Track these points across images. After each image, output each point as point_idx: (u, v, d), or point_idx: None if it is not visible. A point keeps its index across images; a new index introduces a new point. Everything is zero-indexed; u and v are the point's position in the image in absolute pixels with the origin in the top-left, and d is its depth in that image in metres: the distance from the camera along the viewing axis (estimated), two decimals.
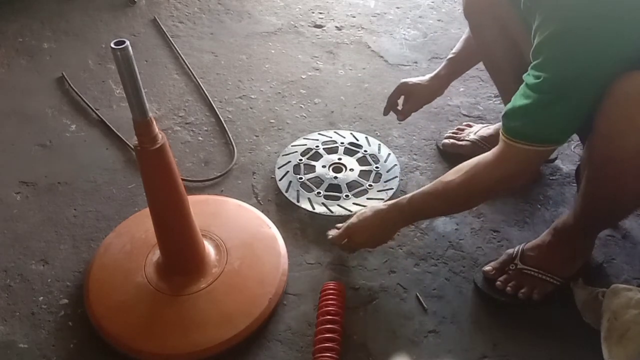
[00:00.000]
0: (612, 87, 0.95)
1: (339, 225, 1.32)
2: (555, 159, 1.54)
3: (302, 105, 1.83)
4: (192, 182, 1.56)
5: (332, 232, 1.32)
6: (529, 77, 1.02)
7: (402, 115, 1.57)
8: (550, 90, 0.99)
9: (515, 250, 1.27)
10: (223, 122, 1.75)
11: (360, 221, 1.26)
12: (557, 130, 1.02)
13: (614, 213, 1.18)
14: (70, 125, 1.77)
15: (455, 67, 1.52)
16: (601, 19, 0.91)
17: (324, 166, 1.57)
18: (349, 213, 1.42)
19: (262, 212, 1.45)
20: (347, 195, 1.48)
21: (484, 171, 1.12)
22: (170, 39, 2.12)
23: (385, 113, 1.57)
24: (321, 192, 1.49)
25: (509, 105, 1.06)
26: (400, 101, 1.56)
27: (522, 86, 1.04)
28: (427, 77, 1.53)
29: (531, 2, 1.04)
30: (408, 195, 1.22)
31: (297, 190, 1.49)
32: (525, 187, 1.49)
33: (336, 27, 2.21)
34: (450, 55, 1.51)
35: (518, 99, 1.04)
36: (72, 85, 1.90)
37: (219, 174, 1.57)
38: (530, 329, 1.20)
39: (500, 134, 1.08)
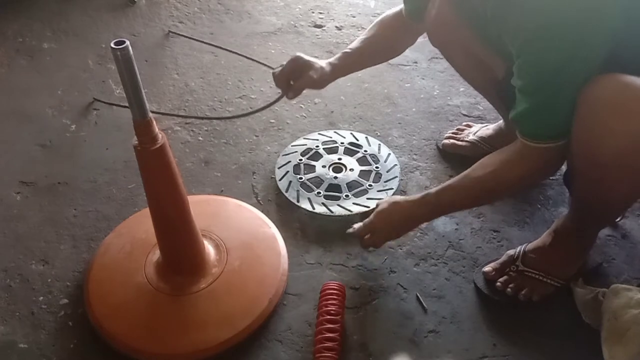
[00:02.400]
0: (583, 94, 0.96)
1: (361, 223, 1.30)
2: None
3: (302, 105, 1.83)
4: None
5: (356, 226, 1.31)
6: (515, 81, 1.04)
7: (293, 93, 1.39)
8: (539, 89, 1.00)
9: (517, 251, 1.27)
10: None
11: (383, 218, 1.24)
12: (566, 122, 1.02)
13: (606, 214, 1.19)
14: (70, 125, 1.78)
15: (345, 63, 1.44)
16: (570, 14, 0.92)
17: (324, 166, 1.57)
18: (349, 213, 1.42)
19: (262, 212, 1.45)
20: (347, 195, 1.48)
21: (510, 168, 1.11)
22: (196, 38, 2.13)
23: (280, 85, 1.40)
24: (321, 192, 1.49)
25: (514, 112, 1.07)
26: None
27: (516, 90, 1.06)
28: (323, 62, 1.41)
29: (500, 8, 1.06)
30: (434, 190, 1.19)
31: (297, 190, 1.49)
32: None
33: (336, 27, 2.21)
34: (346, 50, 1.44)
35: (518, 104, 1.05)
36: (104, 100, 1.86)
37: (265, 105, 1.48)
38: (531, 329, 1.20)
39: (517, 134, 1.09)
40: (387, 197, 1.30)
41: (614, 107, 0.93)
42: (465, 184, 1.16)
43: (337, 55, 1.44)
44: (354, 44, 1.45)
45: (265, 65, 1.75)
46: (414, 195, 1.23)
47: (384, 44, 1.46)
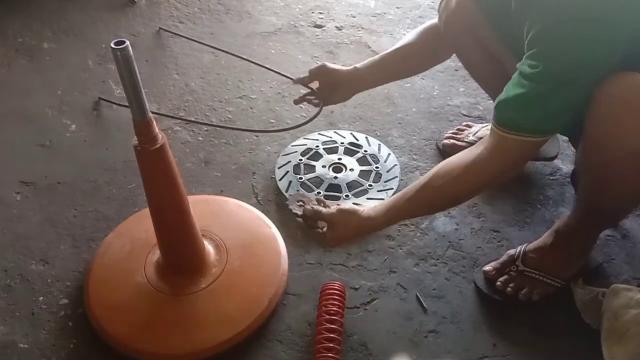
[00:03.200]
0: (598, 91, 0.95)
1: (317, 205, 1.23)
2: (555, 157, 1.54)
3: (302, 105, 1.82)
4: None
5: (296, 207, 1.24)
6: (523, 67, 1.00)
7: (324, 103, 1.47)
8: (547, 80, 0.97)
9: (517, 251, 1.27)
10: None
11: (342, 224, 1.18)
12: (552, 120, 1.00)
13: (614, 213, 1.18)
14: (70, 125, 1.77)
15: (376, 78, 1.47)
16: (596, 10, 0.91)
17: (324, 166, 1.57)
18: None
19: (262, 212, 1.45)
20: (347, 195, 1.48)
21: (479, 169, 1.07)
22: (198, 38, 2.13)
23: (298, 102, 1.53)
24: (321, 192, 1.49)
25: (502, 96, 1.02)
26: (314, 85, 1.48)
27: (515, 75, 1.01)
28: (356, 75, 1.44)
29: (524, 3, 1.04)
30: (392, 204, 1.15)
31: (297, 190, 1.49)
32: (524, 187, 1.49)
33: (336, 27, 2.21)
34: (380, 61, 1.44)
35: (512, 89, 1.01)
36: (110, 100, 1.85)
37: (308, 119, 1.49)
38: (531, 329, 1.20)
39: (492, 126, 1.04)
40: (348, 205, 1.23)
41: (629, 105, 0.93)
42: (426, 194, 1.11)
43: (370, 70, 1.43)
44: (388, 55, 1.43)
45: (262, 66, 1.77)
46: (374, 209, 1.17)
47: (422, 52, 1.44)
